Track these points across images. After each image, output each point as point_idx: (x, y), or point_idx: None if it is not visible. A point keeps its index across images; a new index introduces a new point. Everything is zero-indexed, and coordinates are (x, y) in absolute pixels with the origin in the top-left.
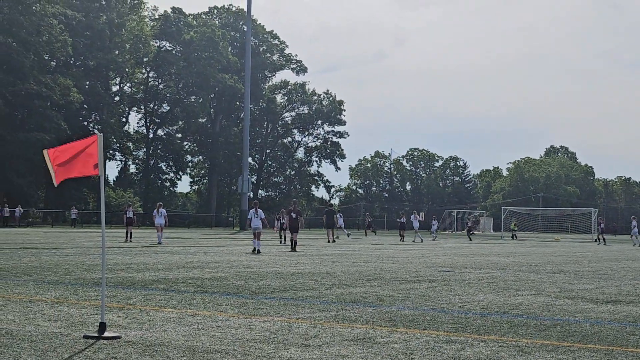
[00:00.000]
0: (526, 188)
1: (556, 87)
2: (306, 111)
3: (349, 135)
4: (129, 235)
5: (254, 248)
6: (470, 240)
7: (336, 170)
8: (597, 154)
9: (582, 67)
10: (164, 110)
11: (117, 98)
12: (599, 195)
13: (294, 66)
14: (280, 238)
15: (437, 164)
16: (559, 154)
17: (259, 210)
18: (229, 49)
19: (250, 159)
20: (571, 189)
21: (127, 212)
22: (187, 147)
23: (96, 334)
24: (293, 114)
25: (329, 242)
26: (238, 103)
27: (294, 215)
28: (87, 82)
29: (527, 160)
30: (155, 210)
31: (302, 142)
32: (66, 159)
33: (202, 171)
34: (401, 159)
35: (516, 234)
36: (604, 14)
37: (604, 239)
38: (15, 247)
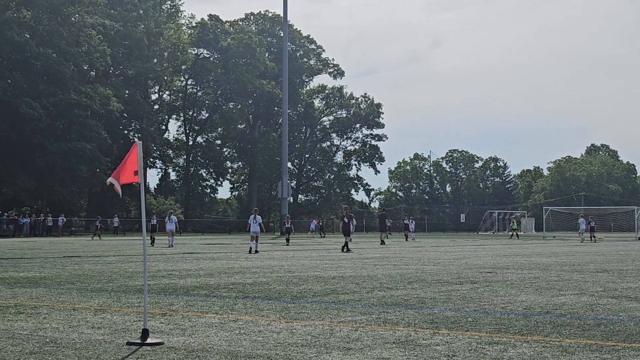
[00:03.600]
0: (567, 187)
1: (596, 84)
2: (344, 115)
3: (387, 138)
4: (152, 240)
5: (251, 248)
6: (595, 240)
7: (375, 174)
8: (639, 152)
9: (621, 64)
10: (203, 117)
11: (156, 106)
12: None
13: (331, 70)
14: (287, 242)
15: (477, 165)
16: (600, 153)
17: (258, 216)
18: (266, 54)
19: (289, 164)
20: (613, 187)
21: (152, 220)
22: (226, 153)
23: (139, 341)
24: (331, 118)
25: (381, 244)
26: (276, 108)
27: (346, 220)
28: (127, 91)
29: (568, 159)
30: (167, 217)
31: (340, 146)
32: (118, 171)
33: (242, 177)
34: (440, 160)
35: (517, 233)
36: None
37: (593, 237)
38: (59, 256)
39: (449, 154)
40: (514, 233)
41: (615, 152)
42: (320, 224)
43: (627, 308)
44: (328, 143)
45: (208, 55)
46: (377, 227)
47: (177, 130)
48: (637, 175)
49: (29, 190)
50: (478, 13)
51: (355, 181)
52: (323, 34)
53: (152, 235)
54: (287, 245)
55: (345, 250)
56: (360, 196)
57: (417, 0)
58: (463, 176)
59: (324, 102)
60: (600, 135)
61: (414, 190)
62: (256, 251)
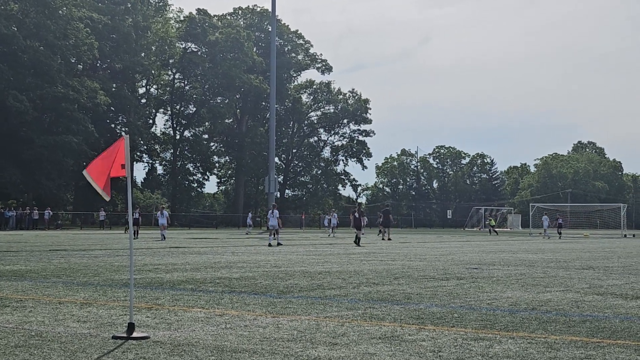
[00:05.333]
0: (554, 184)
1: (583, 82)
2: (332, 110)
3: (375, 134)
4: (135, 233)
5: (269, 242)
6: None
7: (363, 169)
8: (625, 149)
9: (609, 61)
10: (190, 112)
11: (143, 100)
12: (627, 190)
13: (319, 65)
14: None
15: (464, 162)
16: (587, 150)
17: (276, 210)
18: (254, 49)
19: (276, 159)
20: (600, 184)
21: (135, 214)
22: (213, 147)
23: (125, 335)
24: (319, 113)
25: (383, 239)
26: (264, 103)
27: (357, 215)
28: (114, 85)
29: (555, 156)
30: (159, 212)
31: (328, 141)
32: (103, 169)
33: (229, 172)
34: (428, 156)
35: (495, 229)
36: (631, 7)
37: (559, 234)
38: (45, 250)
39: (436, 150)
40: (491, 229)
41: (602, 150)
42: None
43: (612, 305)
44: (315, 138)
45: (196, 50)
46: (380, 222)
47: (165, 125)
48: (623, 172)
49: (15, 183)
50: (468, 11)
51: (343, 176)
52: (311, 30)
53: (135, 228)
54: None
55: (357, 243)
56: (347, 191)
57: None
58: (450, 172)
59: (312, 97)
60: (587, 133)
61: (401, 186)
62: (278, 244)
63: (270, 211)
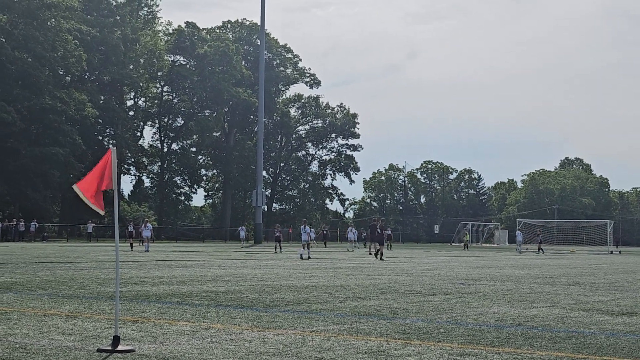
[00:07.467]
0: (541, 200)
1: (571, 98)
2: (320, 124)
3: (362, 149)
4: (131, 246)
5: (301, 255)
6: (543, 252)
7: (350, 184)
8: (612, 166)
9: (596, 78)
10: (178, 125)
11: (131, 112)
12: (614, 207)
13: (308, 79)
14: (275, 249)
15: (451, 177)
16: (574, 166)
17: (307, 226)
18: (243, 62)
19: (264, 173)
20: (586, 200)
21: (129, 227)
22: (201, 161)
23: (110, 348)
24: (307, 127)
25: (370, 254)
26: (252, 117)
27: (379, 230)
28: (102, 97)
29: (542, 172)
30: (143, 225)
31: (316, 155)
32: (92, 183)
33: (217, 185)
34: (415, 171)
35: (468, 244)
36: (618, 25)
37: (541, 250)
38: (31, 262)
39: (424, 165)
40: (465, 244)
41: (588, 166)
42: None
43: (598, 321)
44: (303, 152)
45: (184, 63)
46: (368, 237)
47: (152, 137)
48: (610, 189)
49: (1, 194)
50: (455, 26)
51: (330, 191)
52: (300, 44)
53: (130, 241)
54: (277, 252)
55: (379, 257)
56: (334, 206)
57: (394, 11)
58: (437, 187)
59: (300, 111)
60: (574, 149)
61: (389, 201)
62: (308, 257)
63: (303, 227)
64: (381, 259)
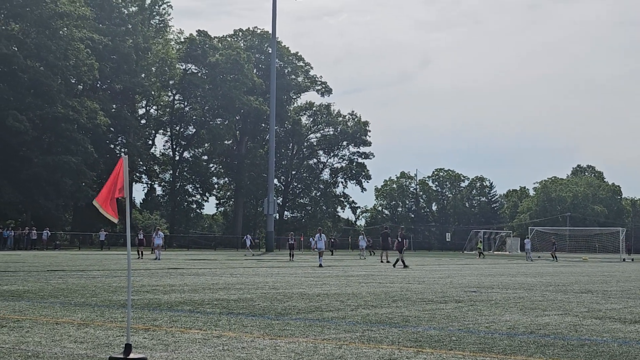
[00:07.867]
0: (553, 208)
1: (582, 106)
2: (331, 132)
3: (374, 156)
4: (140, 254)
5: (320, 264)
6: (557, 260)
7: (362, 191)
8: (624, 173)
9: (608, 85)
10: (190, 133)
11: (143, 121)
12: (626, 215)
13: (319, 87)
14: (291, 257)
15: (463, 184)
16: (586, 174)
17: (323, 234)
18: (254, 71)
19: (275, 181)
20: (599, 208)
21: (139, 234)
22: (213, 169)
23: (122, 356)
24: (318, 135)
25: (381, 262)
26: (263, 125)
27: (400, 239)
28: (114, 106)
29: (554, 180)
30: (155, 233)
31: (327, 163)
32: (107, 193)
33: (228, 193)
34: (427, 179)
35: (482, 252)
36: (630, 32)
37: (555, 257)
38: (43, 270)
39: (436, 172)
40: (480, 252)
41: (600, 174)
42: (370, 241)
43: (610, 329)
44: (315, 160)
45: (196, 71)
46: (380, 244)
47: (164, 145)
48: (622, 196)
49: (14, 203)
50: (467, 34)
51: (342, 199)
52: (312, 52)
53: (140, 249)
54: (291, 260)
55: (403, 266)
56: (346, 214)
57: (407, 19)
58: (449, 195)
59: (312, 119)
60: (586, 156)
61: (400, 209)
62: (320, 265)
63: (319, 235)
64: (405, 266)
